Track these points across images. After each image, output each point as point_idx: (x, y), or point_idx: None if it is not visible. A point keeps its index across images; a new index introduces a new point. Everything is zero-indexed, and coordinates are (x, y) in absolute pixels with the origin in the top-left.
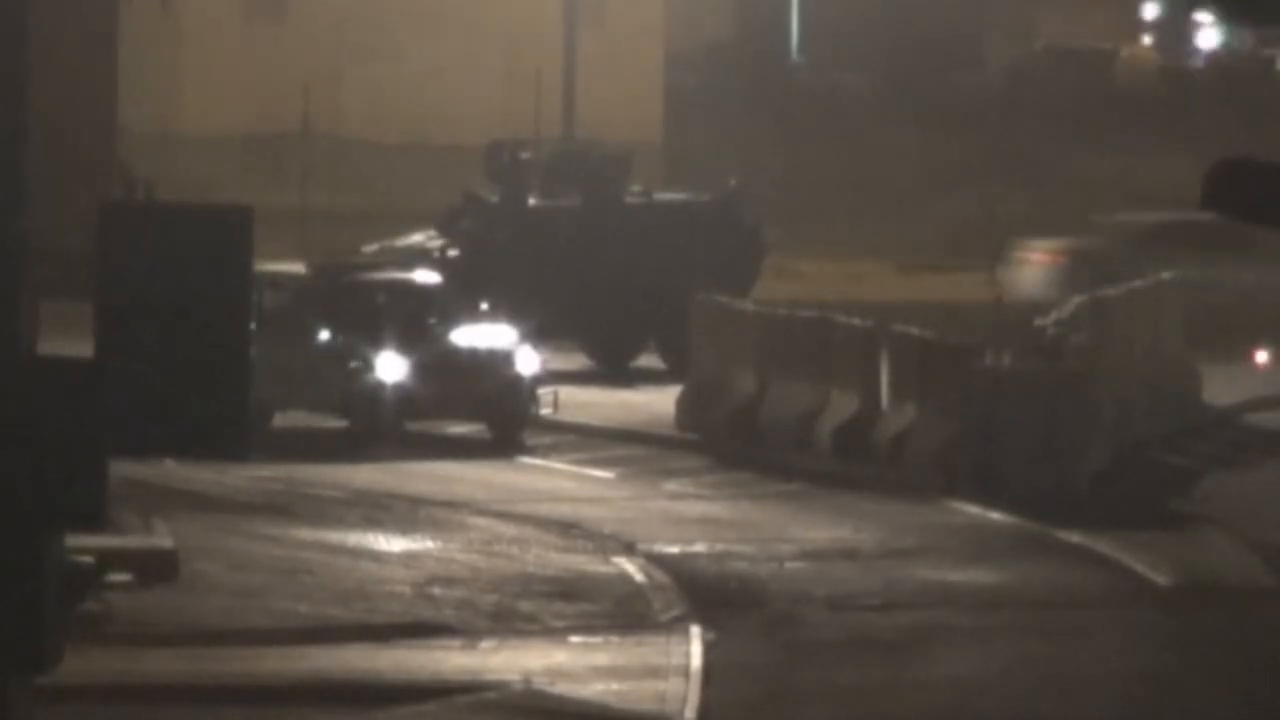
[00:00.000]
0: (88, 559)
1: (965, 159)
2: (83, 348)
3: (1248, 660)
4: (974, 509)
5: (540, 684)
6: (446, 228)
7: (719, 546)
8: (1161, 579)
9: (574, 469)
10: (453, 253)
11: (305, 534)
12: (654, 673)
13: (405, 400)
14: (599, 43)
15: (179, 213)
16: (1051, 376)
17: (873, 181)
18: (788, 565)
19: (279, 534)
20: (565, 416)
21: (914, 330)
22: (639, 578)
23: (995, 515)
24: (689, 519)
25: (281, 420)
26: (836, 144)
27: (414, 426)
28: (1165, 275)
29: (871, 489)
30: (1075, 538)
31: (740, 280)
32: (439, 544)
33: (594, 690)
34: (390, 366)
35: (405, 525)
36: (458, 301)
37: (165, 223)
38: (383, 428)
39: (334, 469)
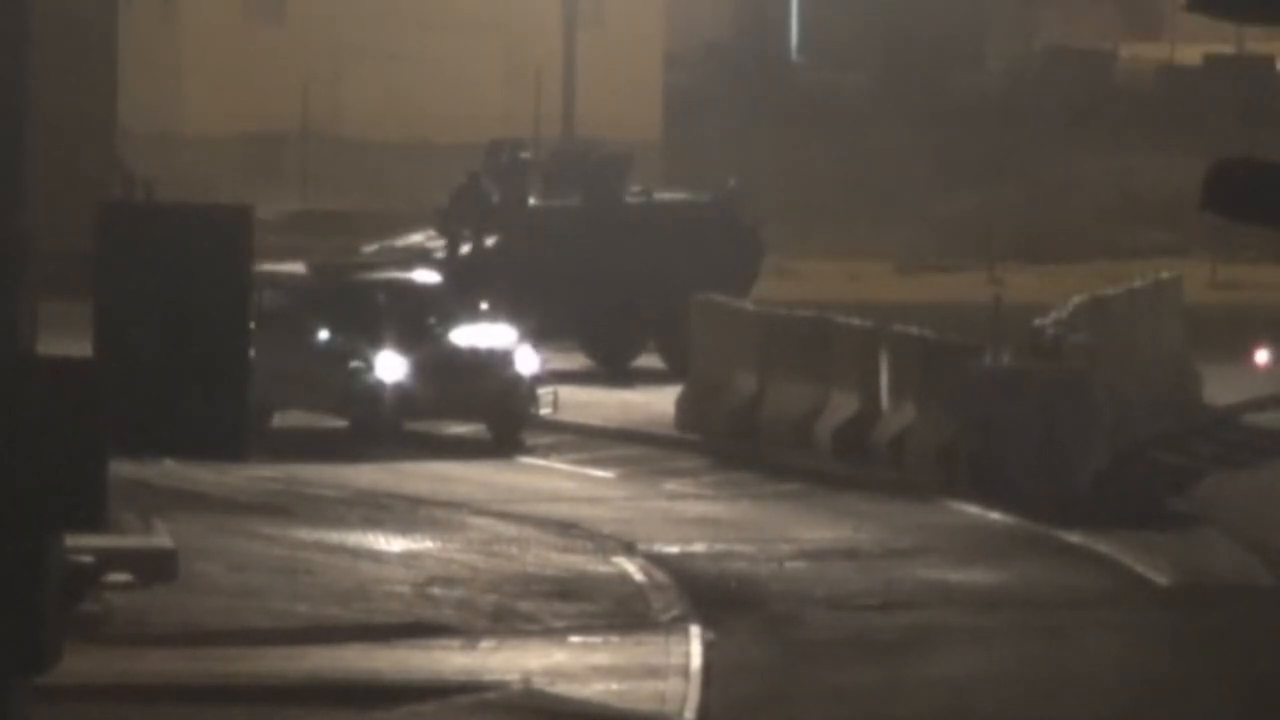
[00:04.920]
0: (88, 559)
1: (965, 159)
2: (83, 348)
3: (1248, 660)
4: (974, 509)
5: (540, 684)
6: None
7: (719, 546)
8: (1161, 579)
9: (574, 469)
10: (449, 244)
11: (305, 534)
12: (654, 673)
13: (405, 400)
14: (599, 43)
15: (179, 213)
16: (1051, 376)
17: (872, 181)
18: (788, 565)
19: (279, 534)
20: (565, 416)
21: (914, 330)
22: (639, 578)
23: (995, 515)
24: (689, 519)
25: (281, 420)
26: (836, 144)
27: (414, 426)
28: (1166, 275)
29: (871, 489)
30: (1075, 538)
31: (740, 280)
32: (439, 544)
33: (594, 690)
34: (390, 366)
35: (405, 525)
36: (458, 301)
37: (165, 223)
38: (383, 428)
39: (334, 469)
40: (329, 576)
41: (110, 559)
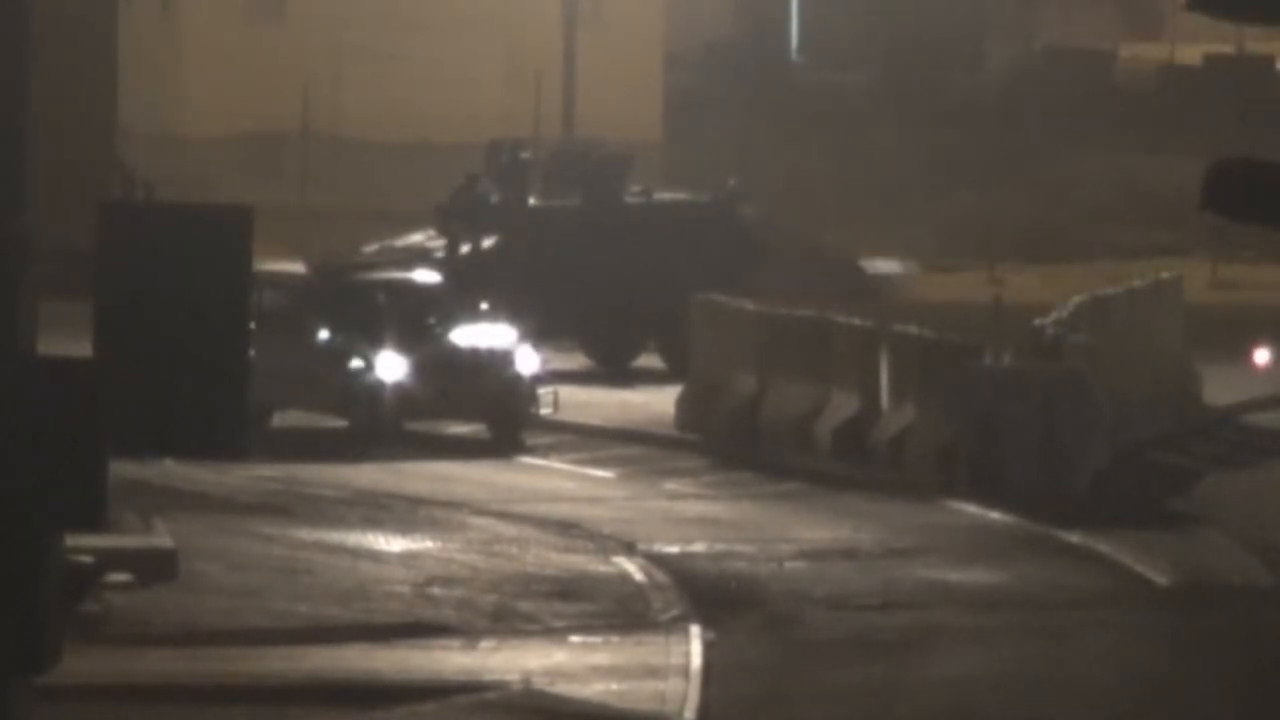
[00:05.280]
0: (88, 559)
1: (965, 159)
2: (83, 348)
3: (1248, 660)
4: (974, 509)
5: (540, 684)
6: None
7: (719, 546)
8: (1161, 579)
9: (574, 469)
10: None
11: (305, 534)
12: (654, 673)
13: (405, 400)
14: (599, 43)
15: (179, 213)
16: (1051, 376)
17: (872, 181)
18: (788, 565)
19: (279, 534)
20: (565, 416)
21: (914, 330)
22: (639, 578)
23: (995, 515)
24: (689, 519)
25: (281, 420)
26: (836, 144)
27: (414, 426)
28: (1166, 275)
29: (871, 489)
30: (1075, 538)
31: (740, 280)
32: (439, 544)
33: (594, 690)
34: (390, 366)
35: (405, 525)
36: (458, 301)
37: (165, 223)
38: (383, 428)
39: (334, 469)
40: (329, 576)
41: (110, 559)
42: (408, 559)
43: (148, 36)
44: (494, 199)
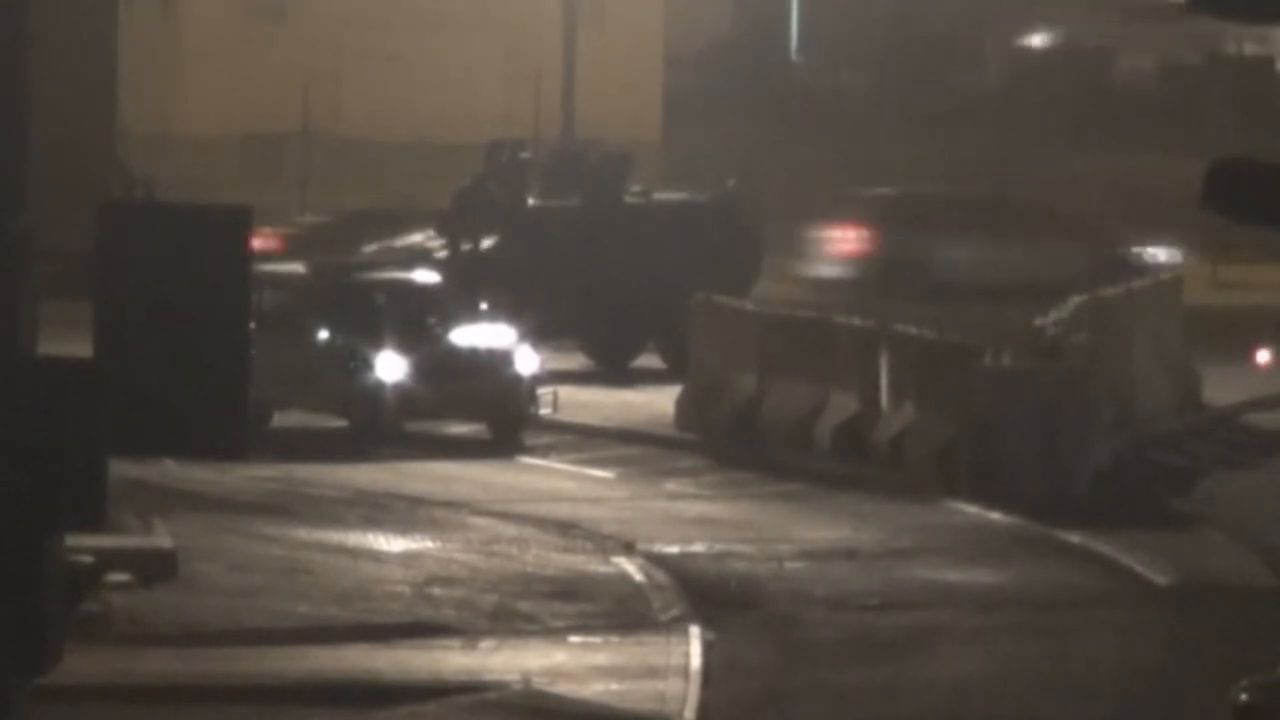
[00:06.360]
0: (88, 559)
1: (964, 159)
2: (83, 348)
3: (1248, 660)
4: (974, 509)
5: (540, 684)
6: (451, 219)
7: (719, 546)
8: (1161, 579)
9: (574, 469)
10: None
11: (305, 534)
12: (654, 673)
13: (405, 400)
14: (599, 43)
15: (179, 213)
16: (1051, 376)
17: (873, 181)
18: (788, 565)
19: (279, 534)
20: (565, 416)
21: (914, 330)
22: (639, 578)
23: (995, 515)
24: (689, 519)
25: (281, 420)
26: (836, 144)
27: (414, 426)
28: (1166, 276)
29: (871, 489)
30: (1075, 538)
31: (740, 280)
32: (439, 544)
33: (594, 690)
34: (390, 366)
35: (405, 525)
36: (458, 301)
37: (165, 223)
38: (383, 428)
39: (334, 469)
40: (329, 576)
41: (110, 559)
42: (408, 559)
43: (148, 36)
44: (494, 198)
